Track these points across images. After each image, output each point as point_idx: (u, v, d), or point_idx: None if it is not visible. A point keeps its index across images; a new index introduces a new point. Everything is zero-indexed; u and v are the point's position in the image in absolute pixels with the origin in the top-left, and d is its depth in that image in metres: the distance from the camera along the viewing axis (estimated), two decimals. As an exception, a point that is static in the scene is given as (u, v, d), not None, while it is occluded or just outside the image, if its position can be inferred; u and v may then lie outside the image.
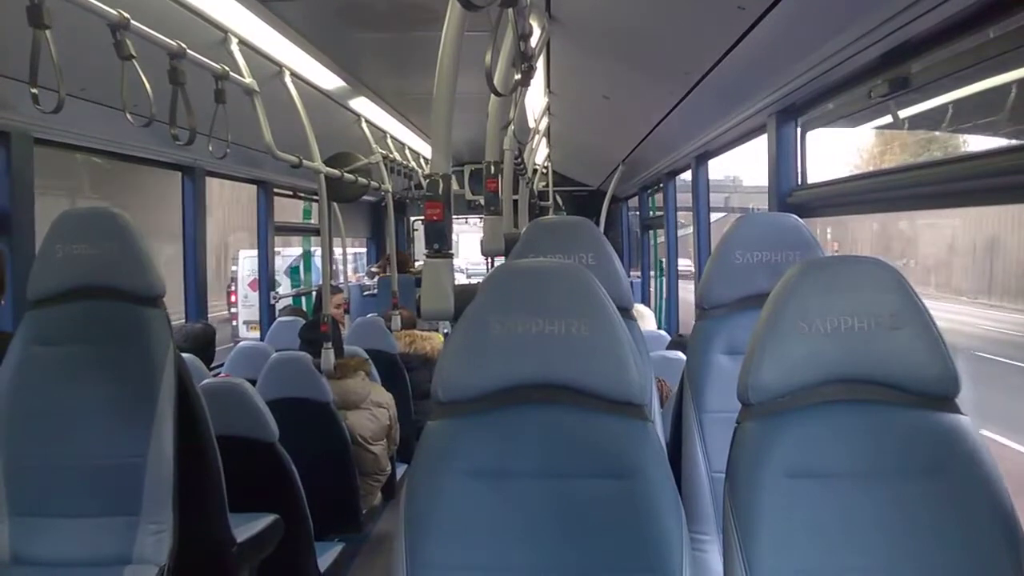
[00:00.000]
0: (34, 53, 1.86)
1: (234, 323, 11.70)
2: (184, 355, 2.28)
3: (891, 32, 1.83)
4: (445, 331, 6.01)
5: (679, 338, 3.56)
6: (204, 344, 3.41)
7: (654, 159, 5.02)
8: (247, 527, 2.39)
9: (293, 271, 8.52)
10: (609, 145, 5.54)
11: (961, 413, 1.34)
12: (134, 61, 2.15)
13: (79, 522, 1.98)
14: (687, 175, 4.29)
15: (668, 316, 5.39)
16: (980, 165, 1.74)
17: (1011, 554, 1.24)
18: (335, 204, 5.49)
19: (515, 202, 4.81)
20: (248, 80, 2.88)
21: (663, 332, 4.41)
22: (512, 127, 3.27)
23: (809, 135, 2.74)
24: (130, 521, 1.97)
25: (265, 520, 2.50)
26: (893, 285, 1.35)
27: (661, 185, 5.24)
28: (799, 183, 2.77)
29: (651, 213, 6.34)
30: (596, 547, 1.35)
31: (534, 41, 2.42)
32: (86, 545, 1.97)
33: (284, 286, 7.67)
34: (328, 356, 3.48)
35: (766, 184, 2.87)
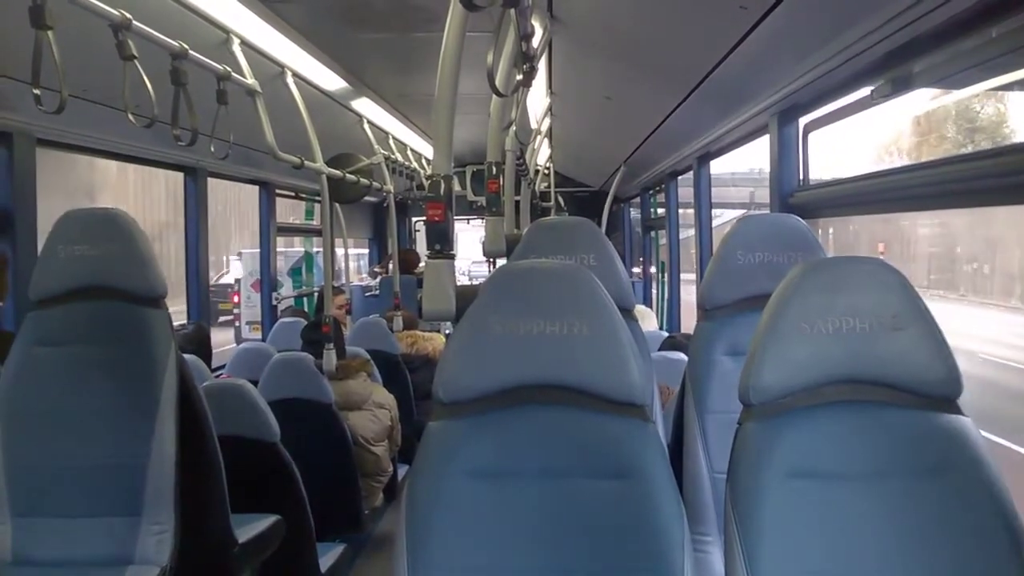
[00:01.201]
0: (36, 54, 1.86)
1: (237, 324, 11.73)
2: (186, 356, 2.28)
3: (894, 32, 1.82)
4: (447, 332, 6.01)
5: (673, 338, 3.55)
6: (198, 344, 3.41)
7: (656, 160, 5.02)
8: (249, 528, 2.39)
9: (295, 272, 8.53)
10: (611, 146, 5.54)
11: (963, 414, 1.34)
12: (136, 62, 2.16)
13: (81, 523, 1.98)
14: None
15: (670, 317, 5.39)
16: (983, 165, 1.74)
17: (1014, 555, 1.24)
18: (337, 205, 5.49)
19: (517, 203, 4.81)
20: (250, 81, 2.88)
21: (665, 332, 4.41)
22: (514, 128, 3.27)
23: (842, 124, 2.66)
24: (132, 522, 1.97)
25: (267, 521, 2.50)
26: (895, 286, 1.35)
27: (663, 186, 5.24)
28: (800, 184, 2.77)
29: (653, 214, 6.34)
30: (597, 548, 1.35)
31: (536, 42, 2.41)
32: (88, 546, 1.97)
33: (286, 287, 7.67)
34: (330, 357, 3.48)
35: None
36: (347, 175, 4.45)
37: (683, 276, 5.24)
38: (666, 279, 5.48)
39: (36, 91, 1.90)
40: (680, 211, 5.09)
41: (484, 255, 3.37)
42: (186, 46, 2.41)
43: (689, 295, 4.72)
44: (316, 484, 2.88)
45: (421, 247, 7.98)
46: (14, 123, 2.49)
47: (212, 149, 2.84)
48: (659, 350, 3.29)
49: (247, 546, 2.33)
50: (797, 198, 2.73)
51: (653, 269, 6.46)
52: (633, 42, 2.96)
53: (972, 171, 1.78)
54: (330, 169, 4.01)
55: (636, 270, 6.82)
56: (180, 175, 3.83)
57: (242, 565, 2.33)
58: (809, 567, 1.27)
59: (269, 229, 4.89)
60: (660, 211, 5.80)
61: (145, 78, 2.19)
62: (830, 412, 1.34)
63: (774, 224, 2.13)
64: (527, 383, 1.42)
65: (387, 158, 4.95)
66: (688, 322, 4.97)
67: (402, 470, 4.25)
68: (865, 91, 2.22)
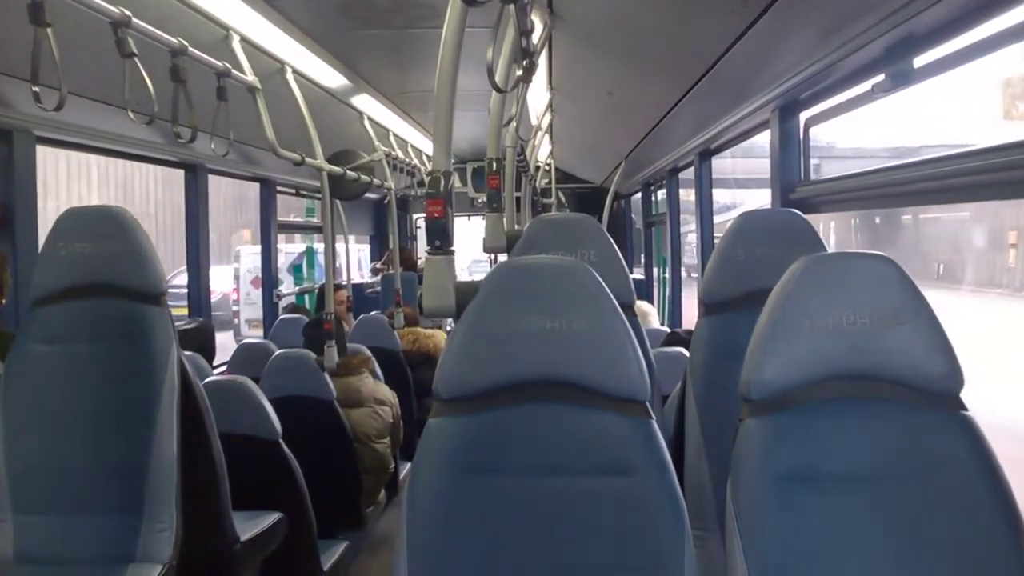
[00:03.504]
0: (35, 51, 1.86)
1: (236, 321, 11.74)
2: (186, 353, 2.28)
3: (895, 26, 1.82)
4: (448, 328, 6.00)
5: (676, 334, 3.54)
6: (202, 342, 3.41)
7: (657, 155, 5.01)
8: (250, 525, 2.39)
9: (296, 269, 8.53)
10: (612, 141, 5.53)
11: (965, 409, 1.34)
12: (136, 59, 2.15)
13: (82, 520, 1.99)
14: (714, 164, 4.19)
15: (671, 313, 5.38)
16: (984, 161, 1.74)
17: (1016, 551, 1.24)
18: (338, 202, 5.49)
19: (517, 199, 4.80)
20: (250, 77, 2.88)
21: (666, 329, 4.40)
22: (514, 124, 3.27)
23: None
24: (133, 519, 1.97)
25: (269, 518, 2.50)
26: (896, 281, 1.34)
27: (665, 181, 5.23)
28: (802, 179, 2.77)
29: (654, 210, 6.33)
30: (598, 544, 1.35)
31: (536, 37, 2.41)
32: (89, 543, 1.97)
33: (287, 284, 7.67)
34: (331, 354, 3.48)
35: (875, 145, 2.70)
36: (347, 172, 4.45)
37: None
38: (667, 275, 5.47)
39: (35, 88, 1.90)
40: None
41: (484, 251, 3.36)
42: (186, 43, 2.41)
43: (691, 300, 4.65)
44: (318, 481, 2.88)
45: (423, 244, 7.98)
46: (13, 121, 2.49)
47: (212, 146, 2.83)
48: (660, 346, 3.29)
49: (249, 543, 2.33)
50: (798, 193, 2.72)
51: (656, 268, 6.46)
52: (633, 37, 2.95)
53: (973, 167, 1.77)
54: (330, 166, 4.00)
55: (639, 274, 6.77)
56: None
57: (244, 562, 2.33)
58: (810, 563, 1.27)
59: (270, 226, 4.90)
60: (662, 194, 5.72)
61: (145, 75, 2.19)
62: (831, 408, 1.34)
63: (775, 219, 2.13)
64: (528, 380, 1.42)
65: (387, 155, 4.95)
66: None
67: (404, 467, 4.25)
68: (866, 85, 2.22)
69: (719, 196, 4.80)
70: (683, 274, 5.36)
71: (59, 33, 1.87)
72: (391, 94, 4.53)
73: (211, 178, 3.96)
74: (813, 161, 2.78)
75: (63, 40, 1.87)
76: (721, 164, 4.16)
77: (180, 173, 3.85)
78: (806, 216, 2.11)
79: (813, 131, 2.74)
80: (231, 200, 14.71)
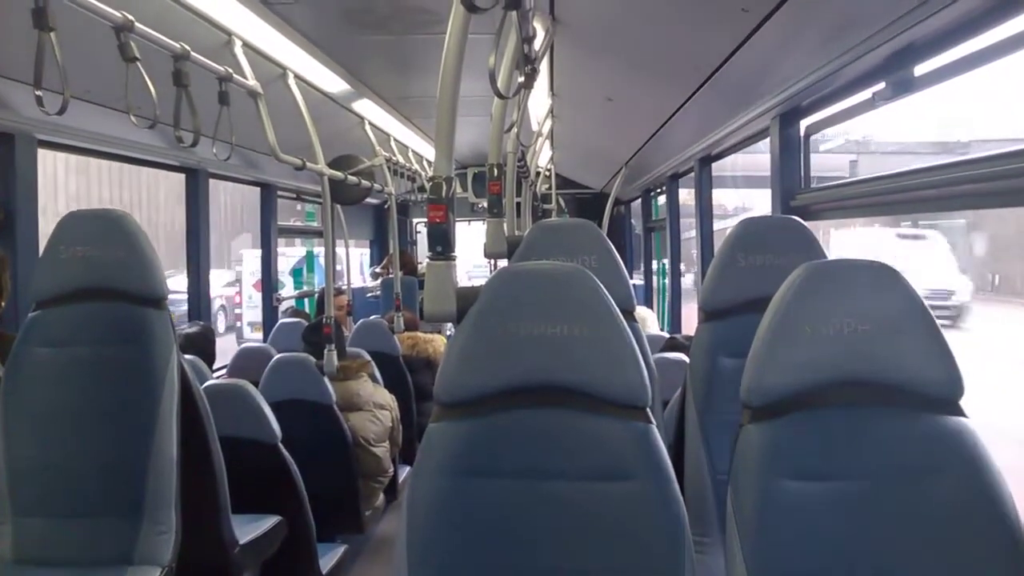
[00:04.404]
0: (39, 55, 1.86)
1: (238, 324, 11.74)
2: (187, 356, 2.28)
3: (896, 35, 1.82)
4: (448, 333, 6.00)
5: (674, 339, 3.55)
6: (202, 345, 3.41)
7: (657, 162, 5.02)
8: (250, 528, 2.39)
9: (296, 272, 8.53)
10: (612, 148, 5.54)
11: (964, 416, 1.34)
12: (138, 63, 2.16)
13: (82, 523, 1.99)
14: (717, 166, 4.19)
15: (671, 319, 5.38)
16: (985, 169, 1.74)
17: (1014, 558, 1.24)
18: (338, 207, 5.49)
19: (518, 205, 4.80)
20: (252, 82, 2.88)
21: (665, 334, 4.40)
22: (515, 130, 3.28)
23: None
24: (133, 522, 1.97)
25: (268, 521, 2.50)
26: (896, 288, 1.35)
27: (665, 187, 5.24)
28: (802, 186, 2.77)
29: (654, 215, 6.34)
30: (599, 550, 1.35)
31: (538, 44, 2.42)
32: (89, 546, 1.97)
33: (287, 288, 7.67)
34: (331, 358, 3.48)
35: (918, 138, 2.63)
36: (348, 177, 4.45)
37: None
38: (667, 281, 5.48)
39: (38, 92, 1.90)
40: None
41: (485, 257, 3.37)
42: (188, 48, 2.41)
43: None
44: (317, 485, 2.88)
45: (423, 249, 7.99)
46: (15, 124, 2.50)
47: (214, 151, 2.84)
48: (660, 351, 3.29)
49: (248, 547, 2.33)
50: (799, 200, 2.73)
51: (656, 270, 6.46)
52: (634, 44, 2.96)
53: (975, 175, 1.78)
54: (331, 171, 4.01)
55: (638, 279, 6.77)
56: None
57: (243, 566, 2.33)
58: (810, 569, 1.27)
59: (271, 231, 4.90)
60: (662, 199, 5.71)
61: (147, 80, 2.19)
62: (831, 414, 1.34)
63: (775, 226, 2.13)
64: (528, 385, 1.42)
65: (388, 160, 4.95)
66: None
67: (403, 471, 4.25)
68: (867, 93, 2.23)
69: (726, 198, 4.72)
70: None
71: (62, 37, 1.87)
72: (392, 99, 4.54)
73: (165, 175, 3.95)
74: (850, 157, 2.75)
75: (66, 44, 1.88)
76: (723, 161, 4.15)
77: (97, 162, 3.81)
78: (806, 223, 2.12)
79: (847, 124, 2.73)
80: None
